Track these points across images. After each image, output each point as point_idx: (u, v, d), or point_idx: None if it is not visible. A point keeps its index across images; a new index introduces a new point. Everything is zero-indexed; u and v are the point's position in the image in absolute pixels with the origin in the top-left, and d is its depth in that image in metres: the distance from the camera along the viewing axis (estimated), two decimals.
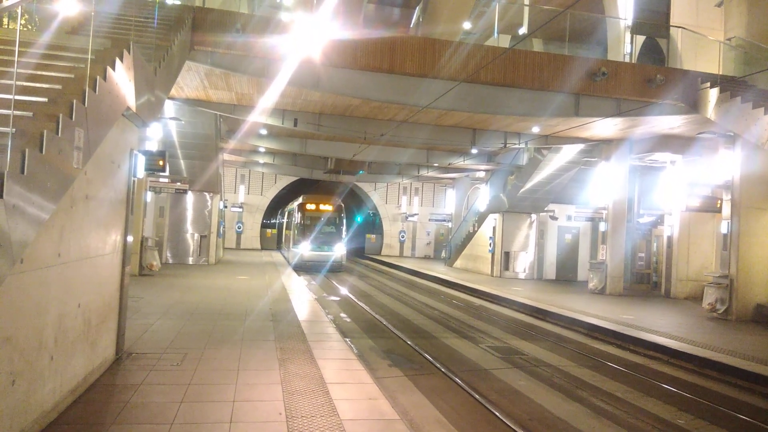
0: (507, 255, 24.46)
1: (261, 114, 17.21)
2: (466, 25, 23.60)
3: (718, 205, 16.04)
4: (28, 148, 4.02)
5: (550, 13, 18.99)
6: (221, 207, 27.32)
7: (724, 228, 15.17)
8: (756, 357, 9.78)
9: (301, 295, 15.06)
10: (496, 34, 17.24)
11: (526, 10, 20.23)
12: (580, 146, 20.26)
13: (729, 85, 13.81)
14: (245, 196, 37.45)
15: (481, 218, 27.34)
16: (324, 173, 31.84)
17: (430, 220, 39.52)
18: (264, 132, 22.16)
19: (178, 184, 20.29)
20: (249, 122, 18.42)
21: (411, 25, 24.78)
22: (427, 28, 22.92)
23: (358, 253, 39.50)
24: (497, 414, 6.76)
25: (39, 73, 5.82)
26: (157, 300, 12.57)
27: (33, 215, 4.13)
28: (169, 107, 16.60)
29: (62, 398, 5.34)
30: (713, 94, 13.81)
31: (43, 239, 4.58)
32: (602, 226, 21.01)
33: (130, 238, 7.48)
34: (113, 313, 7.13)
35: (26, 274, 4.33)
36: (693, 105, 14.51)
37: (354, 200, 42.56)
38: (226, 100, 16.30)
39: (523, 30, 20.60)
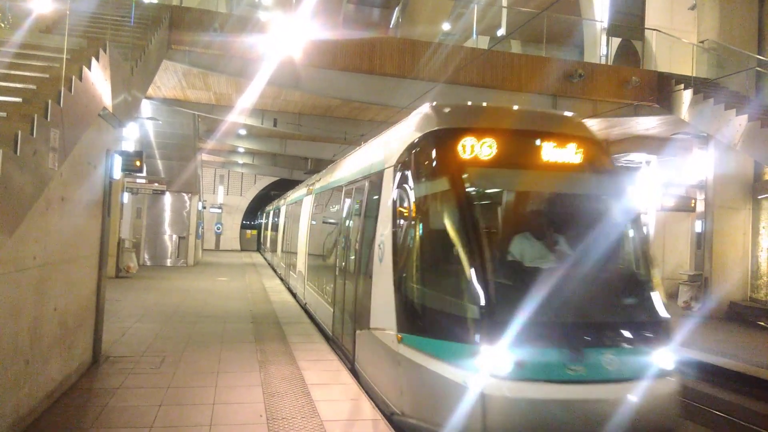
0: None
1: (240, 114, 17.10)
2: (446, 26, 23.74)
3: (693, 205, 16.33)
4: (1, 149, 3.96)
5: (528, 15, 19.18)
6: (200, 208, 27.05)
7: (698, 227, 15.47)
8: (729, 354, 10.00)
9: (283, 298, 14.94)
10: (474, 36, 17.34)
11: (505, 12, 20.40)
12: None
13: (702, 87, 14.08)
14: (224, 197, 37.14)
15: None
16: (304, 173, 31.71)
17: None
18: (243, 132, 22.04)
19: (156, 184, 20.05)
20: (228, 122, 18.29)
21: (391, 26, 24.88)
22: (407, 29, 23.02)
23: None
24: None
25: (13, 72, 5.72)
26: (135, 302, 12.41)
27: (7, 218, 4.06)
28: (147, 107, 16.42)
29: (38, 403, 5.25)
30: (687, 95, 14.06)
31: (17, 242, 4.50)
32: None
33: (106, 240, 7.37)
34: (90, 316, 7.03)
35: (0, 278, 4.25)
36: (668, 106, 14.75)
37: None
38: (205, 100, 16.17)
39: (501, 32, 20.76)
